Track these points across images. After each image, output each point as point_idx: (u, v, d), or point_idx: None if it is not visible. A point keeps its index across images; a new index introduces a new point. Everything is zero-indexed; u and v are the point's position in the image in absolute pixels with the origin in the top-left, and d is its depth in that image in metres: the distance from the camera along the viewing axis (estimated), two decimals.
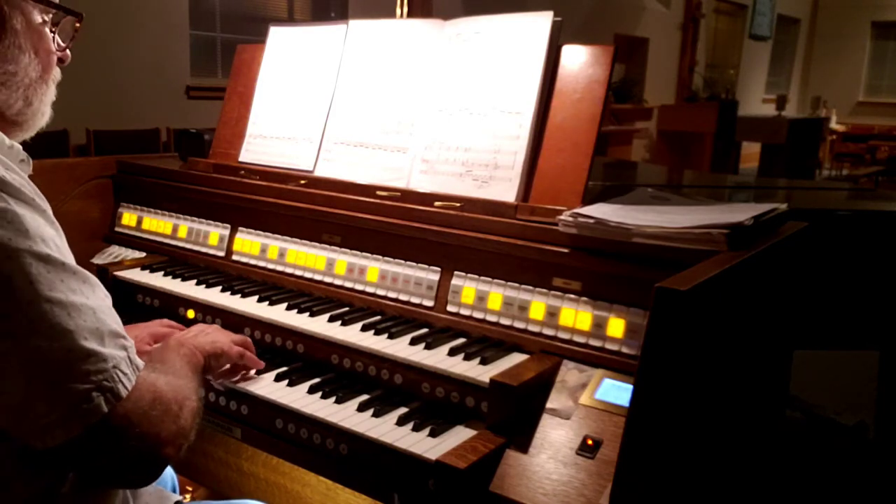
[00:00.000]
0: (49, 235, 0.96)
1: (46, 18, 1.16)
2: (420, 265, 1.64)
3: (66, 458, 0.96)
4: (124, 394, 0.96)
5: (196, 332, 1.44)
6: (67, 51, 1.22)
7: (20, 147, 1.12)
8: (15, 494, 0.98)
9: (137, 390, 0.98)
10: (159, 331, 1.53)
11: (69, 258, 0.98)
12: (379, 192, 1.75)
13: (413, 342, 1.50)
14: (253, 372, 1.53)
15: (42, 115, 1.18)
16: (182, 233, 2.10)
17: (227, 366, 1.48)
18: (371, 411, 1.38)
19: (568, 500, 1.15)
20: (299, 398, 1.44)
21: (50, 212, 1.00)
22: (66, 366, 0.91)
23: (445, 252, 1.61)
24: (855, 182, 10.47)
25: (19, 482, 0.98)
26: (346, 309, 1.69)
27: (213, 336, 1.43)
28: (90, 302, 0.97)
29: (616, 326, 1.37)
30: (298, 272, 1.83)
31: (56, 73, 1.20)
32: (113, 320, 1.00)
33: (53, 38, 1.18)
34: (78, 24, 1.24)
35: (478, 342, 1.51)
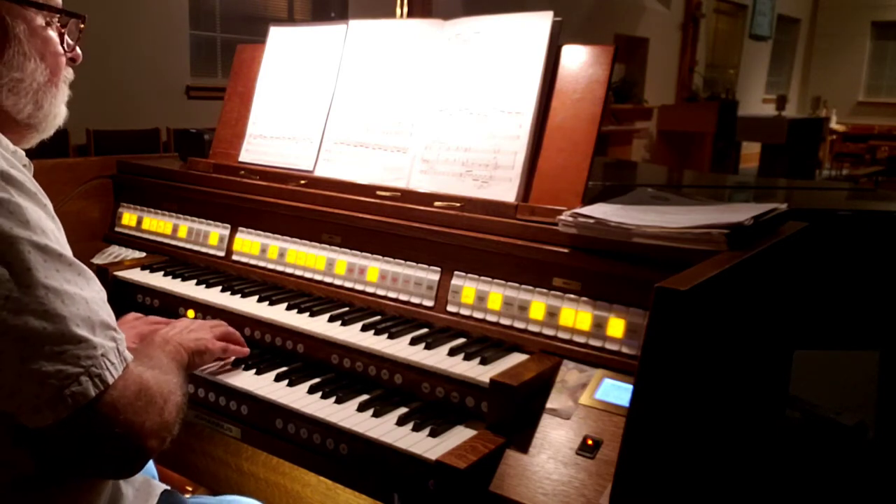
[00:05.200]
0: (49, 228, 1.00)
1: (52, 21, 1.20)
2: (420, 265, 1.64)
3: (54, 442, 0.98)
4: (111, 382, 0.98)
5: (180, 328, 1.46)
6: (78, 50, 1.26)
7: (23, 153, 1.16)
8: (4, 479, 1.00)
9: (124, 380, 1.01)
10: (144, 330, 1.54)
11: (67, 251, 1.01)
12: (379, 192, 1.75)
13: (413, 342, 1.50)
14: (232, 359, 1.56)
15: (55, 117, 1.23)
16: (182, 233, 2.10)
17: (212, 363, 1.51)
18: (371, 411, 1.38)
19: (568, 500, 1.15)
20: (299, 398, 1.44)
21: (51, 207, 1.04)
22: (57, 348, 0.94)
23: (445, 252, 1.61)
24: (855, 182, 10.46)
25: (8, 466, 1.00)
26: (346, 309, 1.69)
27: (198, 333, 1.46)
28: (84, 293, 1.00)
29: (616, 326, 1.37)
30: (298, 272, 1.83)
31: (68, 73, 1.25)
32: (105, 313, 1.03)
33: (63, 39, 1.23)
34: (82, 26, 1.28)
35: (478, 342, 1.51)
